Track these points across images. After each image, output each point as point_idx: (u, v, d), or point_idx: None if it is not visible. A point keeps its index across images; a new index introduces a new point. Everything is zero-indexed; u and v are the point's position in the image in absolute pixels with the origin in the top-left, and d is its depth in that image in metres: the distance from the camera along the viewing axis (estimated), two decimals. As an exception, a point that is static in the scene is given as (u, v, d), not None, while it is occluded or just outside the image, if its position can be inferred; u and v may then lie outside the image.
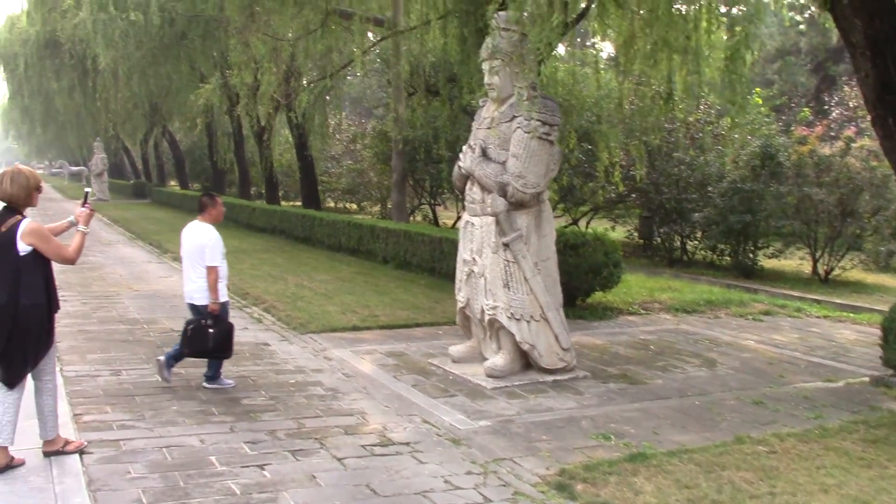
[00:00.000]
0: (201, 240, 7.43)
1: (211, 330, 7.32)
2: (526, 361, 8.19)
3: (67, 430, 6.09)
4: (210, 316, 7.36)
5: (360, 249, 17.49)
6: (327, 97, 18.75)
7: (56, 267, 5.68)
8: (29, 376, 5.55)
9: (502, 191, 7.90)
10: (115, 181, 50.16)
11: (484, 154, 8.15)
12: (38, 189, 5.56)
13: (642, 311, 12.13)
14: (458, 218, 25.99)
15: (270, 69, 15.06)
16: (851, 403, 7.56)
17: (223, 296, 7.50)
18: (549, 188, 8.72)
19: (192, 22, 20.59)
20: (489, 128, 8.21)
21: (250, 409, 6.94)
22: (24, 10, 33.05)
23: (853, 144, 17.89)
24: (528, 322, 7.98)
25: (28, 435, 5.72)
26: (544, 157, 7.96)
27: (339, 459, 5.81)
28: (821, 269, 18.33)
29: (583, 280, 11.48)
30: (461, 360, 8.59)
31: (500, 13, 8.05)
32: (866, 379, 8.49)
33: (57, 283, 5.78)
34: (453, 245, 12.99)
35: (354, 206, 32.87)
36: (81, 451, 5.73)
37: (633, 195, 20.36)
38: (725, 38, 9.46)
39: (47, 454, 5.64)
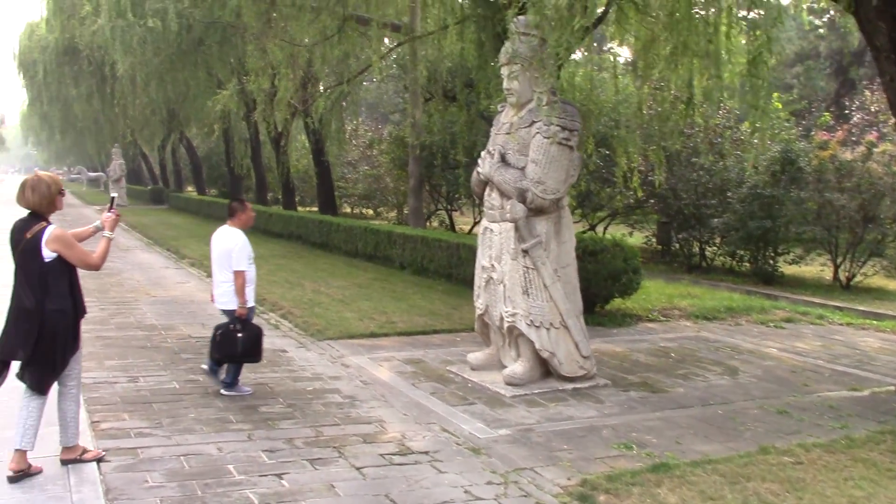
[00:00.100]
0: (228, 244, 7.44)
1: (239, 334, 7.33)
2: (545, 369, 8.10)
3: (85, 437, 6.06)
4: (238, 320, 7.36)
5: (377, 255, 17.45)
6: (344, 103, 18.78)
7: (78, 272, 5.67)
8: None
9: (521, 197, 7.82)
10: (133, 187, 50.52)
11: (503, 160, 8.07)
12: (61, 193, 5.57)
13: (662, 318, 12.02)
14: (475, 223, 26.00)
15: (287, 75, 15.07)
16: (878, 413, 7.43)
17: (251, 300, 7.49)
18: (568, 194, 8.63)
19: (209, 28, 20.63)
20: (508, 133, 8.14)
21: (268, 417, 6.89)
22: (44, 17, 33.38)
23: (875, 149, 17.70)
24: (547, 329, 7.89)
25: (46, 442, 5.69)
26: (564, 162, 7.88)
27: (357, 469, 5.74)
28: (842, 276, 18.12)
29: (602, 286, 11.39)
30: (480, 368, 8.51)
31: (520, 17, 7.97)
32: (892, 388, 8.34)
33: (78, 288, 5.76)
34: (471, 251, 12.94)
35: (370, 212, 32.88)
36: (99, 460, 5.70)
37: (651, 201, 20.22)
38: (744, 42, 9.38)
39: (65, 462, 5.61)
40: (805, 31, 35.87)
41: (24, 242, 5.37)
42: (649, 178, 16.74)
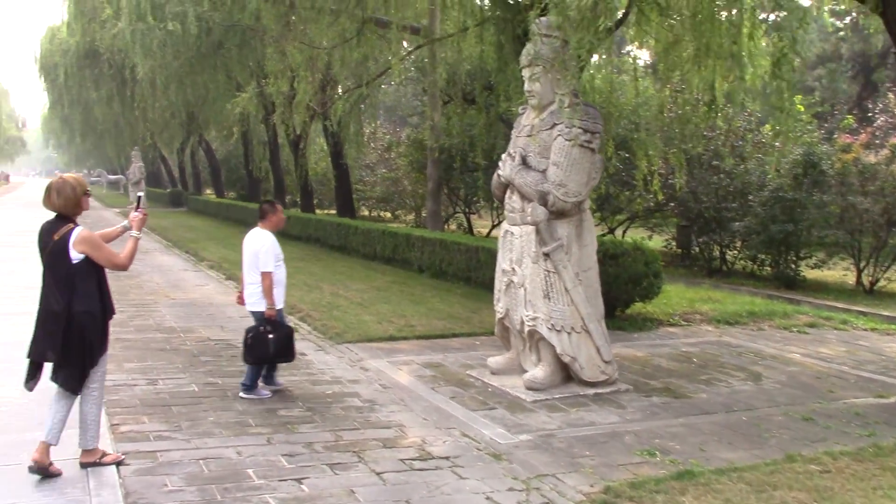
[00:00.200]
0: (256, 245, 7.51)
1: (270, 336, 7.35)
2: (566, 374, 8.02)
3: (104, 440, 6.04)
4: (268, 321, 7.37)
5: (396, 258, 17.41)
6: (362, 106, 18.75)
7: (106, 273, 5.69)
8: None
9: (543, 200, 7.75)
10: (152, 190, 50.80)
11: (524, 162, 8.00)
12: (87, 194, 5.62)
13: (683, 323, 11.90)
14: (493, 227, 25.92)
15: (306, 78, 15.05)
16: (906, 420, 7.30)
17: (280, 302, 7.49)
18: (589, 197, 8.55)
19: (228, 31, 20.72)
20: (529, 135, 8.07)
21: (287, 421, 6.85)
22: (65, 21, 33.60)
23: (899, 152, 17.46)
24: (568, 333, 7.81)
25: (66, 445, 5.66)
26: (586, 165, 7.80)
27: (377, 474, 5.69)
28: (865, 280, 17.88)
29: (622, 290, 11.29)
30: (500, 372, 8.44)
31: (542, 19, 7.90)
32: (920, 395, 8.20)
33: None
34: (489, 254, 12.88)
35: (388, 215, 32.86)
36: (118, 463, 5.67)
37: (671, 204, 20.06)
38: (764, 44, 9.28)
39: (84, 465, 5.59)
40: (827, 33, 35.57)
41: (52, 244, 5.41)
42: (669, 181, 16.60)
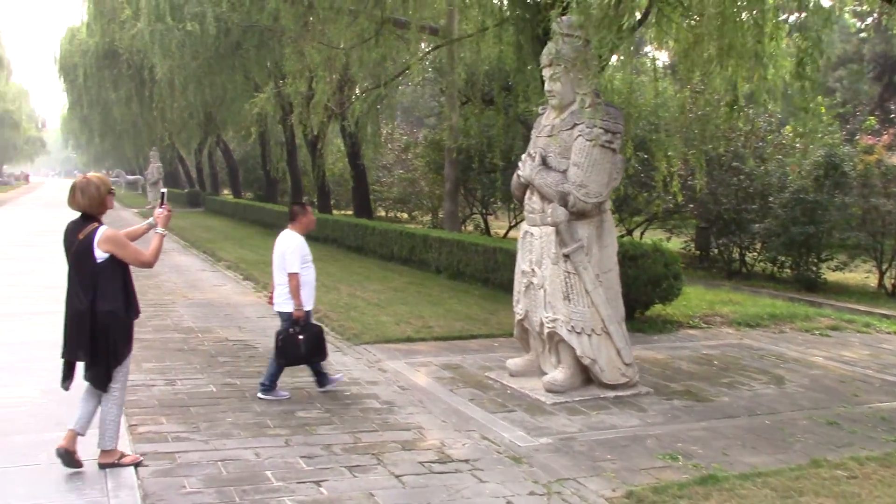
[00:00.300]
0: (283, 247, 7.53)
1: (300, 336, 7.35)
2: (586, 376, 7.94)
3: (123, 440, 6.01)
4: (296, 323, 7.36)
5: (413, 259, 17.36)
6: (380, 106, 18.70)
7: (132, 273, 5.71)
8: None
9: (563, 200, 7.67)
10: (170, 190, 50.83)
11: (544, 162, 7.93)
12: (111, 193, 5.64)
13: (703, 325, 11.78)
14: (510, 227, 25.85)
15: (324, 78, 15.03)
16: (933, 426, 7.17)
17: (308, 303, 7.46)
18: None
19: (247, 32, 20.73)
20: (549, 136, 8.00)
21: (305, 423, 6.81)
22: (84, 21, 33.78)
23: (923, 154, 17.29)
24: (588, 335, 7.73)
25: (85, 446, 5.64)
26: (606, 165, 7.72)
27: (396, 476, 5.63)
28: (888, 283, 17.70)
29: (642, 292, 11.18)
30: (519, 374, 8.37)
31: (563, 18, 7.82)
32: (946, 399, 8.06)
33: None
34: (507, 255, 12.81)
35: (405, 216, 32.83)
36: (137, 465, 5.65)
37: (691, 205, 19.93)
38: (785, 44, 9.17)
39: (103, 466, 5.57)
40: (849, 34, 35.25)
41: (77, 244, 5.42)
42: (689, 182, 16.48)
